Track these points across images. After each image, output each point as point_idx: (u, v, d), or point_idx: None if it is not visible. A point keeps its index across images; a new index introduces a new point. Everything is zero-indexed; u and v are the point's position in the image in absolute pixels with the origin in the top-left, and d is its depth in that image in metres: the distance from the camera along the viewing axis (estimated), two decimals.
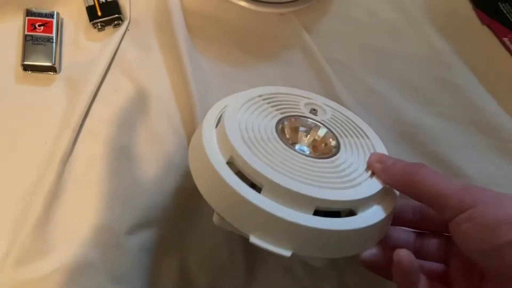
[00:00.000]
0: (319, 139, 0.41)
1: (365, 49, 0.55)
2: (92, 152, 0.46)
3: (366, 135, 0.42)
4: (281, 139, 0.38)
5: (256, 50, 0.53)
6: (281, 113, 0.41)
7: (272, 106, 0.41)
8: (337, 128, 0.42)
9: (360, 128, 0.43)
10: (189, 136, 0.48)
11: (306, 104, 0.44)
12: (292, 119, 0.41)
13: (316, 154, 0.40)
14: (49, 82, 0.49)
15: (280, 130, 0.39)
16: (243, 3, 0.53)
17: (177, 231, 0.45)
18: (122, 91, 0.49)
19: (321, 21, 0.55)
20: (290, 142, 0.40)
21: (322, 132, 0.41)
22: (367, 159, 0.39)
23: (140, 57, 0.51)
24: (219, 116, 0.40)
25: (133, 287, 0.42)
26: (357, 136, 0.42)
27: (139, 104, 0.49)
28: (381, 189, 0.36)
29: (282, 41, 0.54)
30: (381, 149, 0.41)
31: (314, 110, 0.43)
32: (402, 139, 0.51)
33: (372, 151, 0.40)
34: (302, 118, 0.42)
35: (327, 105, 0.44)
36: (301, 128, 0.42)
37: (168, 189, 0.46)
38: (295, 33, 0.54)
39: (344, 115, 0.44)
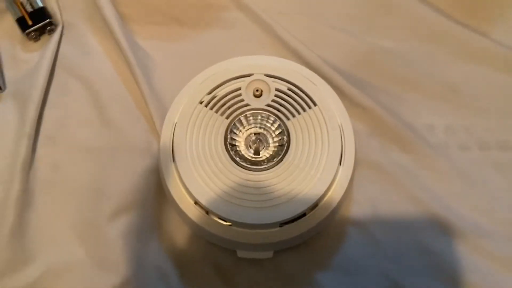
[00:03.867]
0: (270, 146, 0.44)
1: None
2: (54, 156, 0.46)
3: (313, 102, 0.43)
4: (234, 161, 0.42)
5: (192, 22, 0.53)
6: (227, 117, 0.43)
7: (216, 111, 0.43)
8: (283, 109, 0.43)
9: (305, 93, 0.44)
10: (145, 116, 0.48)
11: (248, 84, 0.44)
12: (239, 129, 0.44)
13: (269, 156, 0.43)
14: None
15: (230, 149, 0.42)
16: None
17: (160, 210, 0.45)
18: (71, 91, 0.49)
19: None
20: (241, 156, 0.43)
21: (272, 141, 0.44)
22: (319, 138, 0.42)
23: (82, 56, 0.51)
24: (172, 139, 0.42)
25: (123, 273, 0.42)
26: (304, 109, 0.43)
27: (90, 99, 0.49)
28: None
29: (217, 6, 0.54)
30: (329, 111, 0.43)
31: (257, 90, 0.44)
32: (359, 68, 0.51)
33: (321, 120, 0.42)
34: (248, 117, 0.44)
35: (268, 75, 0.44)
36: (252, 137, 0.44)
37: (137, 171, 0.46)
38: None
39: (286, 81, 0.44)
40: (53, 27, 0.51)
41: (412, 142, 0.47)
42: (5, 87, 0.49)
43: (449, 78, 0.51)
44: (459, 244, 0.44)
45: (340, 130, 0.43)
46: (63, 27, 0.52)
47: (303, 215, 0.41)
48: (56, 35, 0.51)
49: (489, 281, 0.43)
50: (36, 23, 0.50)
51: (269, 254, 0.42)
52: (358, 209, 0.46)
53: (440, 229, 0.45)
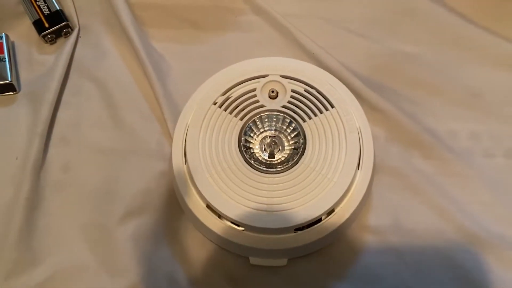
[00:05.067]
0: (286, 149, 0.43)
1: None
2: (66, 157, 0.46)
3: (331, 104, 0.42)
4: (248, 163, 0.40)
5: (209, 25, 0.53)
6: (241, 118, 0.42)
7: (230, 112, 0.42)
8: (299, 111, 0.42)
9: (322, 95, 0.42)
10: (159, 119, 0.47)
11: (264, 85, 0.43)
12: (253, 131, 0.43)
13: (284, 159, 0.42)
14: (12, 102, 0.48)
15: (245, 151, 0.41)
16: None
17: (171, 214, 0.44)
18: (85, 92, 0.49)
19: None
20: (256, 159, 0.42)
21: (286, 144, 0.43)
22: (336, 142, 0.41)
23: (97, 58, 0.51)
24: (184, 141, 0.42)
25: (131, 278, 0.41)
26: (321, 111, 0.42)
27: (104, 101, 0.48)
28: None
29: (233, 10, 0.53)
30: (347, 113, 0.42)
31: (272, 92, 0.43)
32: (378, 72, 0.50)
33: (339, 122, 0.41)
34: (263, 118, 0.43)
35: (284, 76, 0.43)
36: (267, 140, 0.43)
37: (149, 173, 0.45)
38: None
39: (303, 82, 0.43)
40: (69, 30, 0.51)
41: (434, 148, 0.46)
42: (19, 89, 0.49)
43: (472, 83, 0.49)
44: (485, 256, 0.42)
45: (358, 133, 0.41)
46: (79, 30, 0.52)
47: (319, 220, 0.39)
48: (72, 38, 0.51)
49: None
50: (53, 26, 0.50)
51: (283, 261, 0.40)
52: (377, 217, 0.44)
53: (465, 239, 0.42)
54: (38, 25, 0.51)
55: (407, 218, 0.43)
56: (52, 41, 0.51)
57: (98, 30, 0.52)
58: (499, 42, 0.50)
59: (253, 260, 0.40)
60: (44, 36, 0.51)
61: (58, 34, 0.51)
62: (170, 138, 0.46)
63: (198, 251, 0.43)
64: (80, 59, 0.51)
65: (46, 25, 0.50)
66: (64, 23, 0.51)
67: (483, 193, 0.44)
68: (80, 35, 0.52)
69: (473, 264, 0.41)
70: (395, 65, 0.50)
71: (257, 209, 0.38)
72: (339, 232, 0.40)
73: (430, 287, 0.41)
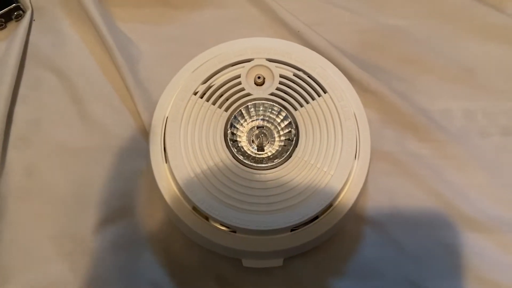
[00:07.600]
0: (276, 144, 0.40)
1: None
2: (28, 159, 0.42)
3: (323, 89, 0.39)
4: (236, 159, 0.37)
5: (180, 2, 0.48)
6: (226, 109, 0.39)
7: (213, 103, 0.39)
8: (289, 98, 0.39)
9: (313, 79, 0.39)
10: (131, 111, 0.43)
11: (249, 71, 0.39)
12: (240, 123, 0.40)
13: (276, 152, 0.39)
14: None
15: (232, 145, 0.38)
16: None
17: (152, 218, 0.41)
18: (45, 85, 0.44)
19: None
20: (244, 154, 0.39)
21: (277, 140, 0.40)
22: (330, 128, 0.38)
23: (55, 44, 0.46)
24: (163, 136, 0.38)
25: None
26: (313, 98, 0.39)
27: (67, 94, 0.44)
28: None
29: None
30: (341, 99, 0.39)
31: (258, 78, 0.39)
32: (367, 49, 0.47)
33: (333, 109, 0.38)
34: (249, 108, 0.40)
35: (271, 60, 0.40)
36: (255, 131, 0.40)
37: (124, 174, 0.41)
38: None
39: (292, 66, 0.40)
40: (20, 12, 0.46)
41: (428, 130, 0.43)
42: None
43: (463, 58, 0.47)
44: (485, 241, 0.40)
45: (354, 120, 0.38)
46: (32, 12, 0.47)
47: (316, 217, 0.36)
48: (24, 22, 0.46)
49: None
50: (1, 8, 0.45)
51: (278, 262, 0.38)
52: (373, 206, 0.41)
53: (464, 224, 0.41)
54: None
55: (404, 205, 0.42)
56: (2, 26, 0.46)
57: (55, 12, 0.47)
58: (491, 13, 0.48)
59: (246, 262, 0.37)
60: None
61: (8, 18, 0.46)
62: (146, 133, 0.42)
63: (185, 255, 0.40)
64: (36, 46, 0.46)
65: None
66: (14, 4, 0.45)
67: (480, 175, 0.42)
68: (34, 18, 0.47)
69: (475, 250, 0.40)
70: (383, 40, 0.48)
71: (249, 210, 0.35)
72: (338, 228, 0.38)
73: (430, 276, 0.39)
